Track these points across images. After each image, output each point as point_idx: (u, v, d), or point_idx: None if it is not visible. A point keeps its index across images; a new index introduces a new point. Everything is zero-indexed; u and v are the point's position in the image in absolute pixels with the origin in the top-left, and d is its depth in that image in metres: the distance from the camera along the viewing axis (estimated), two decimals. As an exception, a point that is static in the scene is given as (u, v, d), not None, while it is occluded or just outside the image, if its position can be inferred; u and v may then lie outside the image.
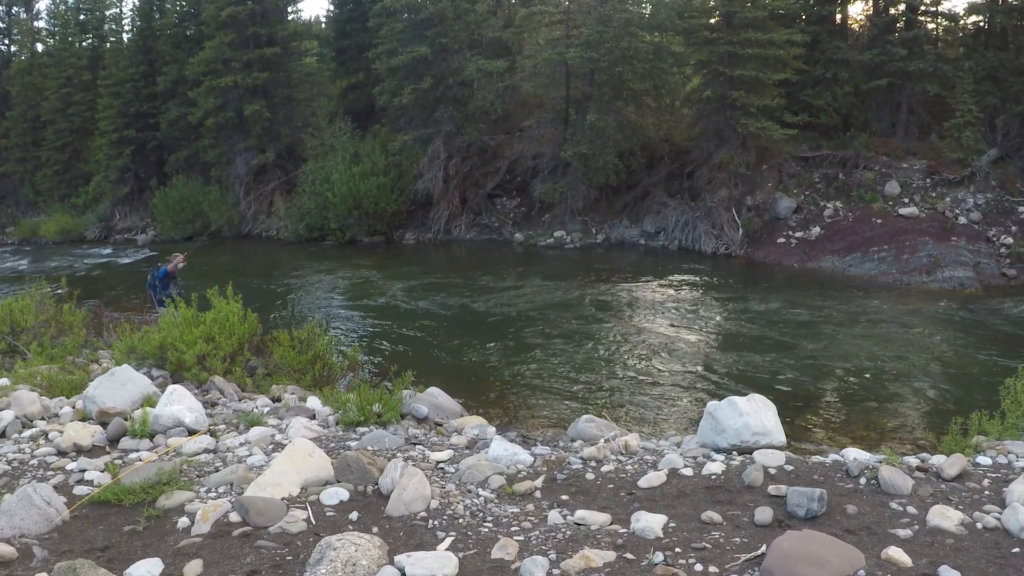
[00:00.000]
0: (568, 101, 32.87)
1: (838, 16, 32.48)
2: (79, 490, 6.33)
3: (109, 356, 11.99)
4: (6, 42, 59.17)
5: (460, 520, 5.64)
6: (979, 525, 5.33)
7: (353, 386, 10.73)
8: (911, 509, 5.55)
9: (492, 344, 16.88)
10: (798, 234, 26.88)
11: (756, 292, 21.72)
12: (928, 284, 22.10)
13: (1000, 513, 5.43)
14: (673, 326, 18.23)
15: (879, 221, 25.74)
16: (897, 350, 15.83)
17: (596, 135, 29.58)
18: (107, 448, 7.42)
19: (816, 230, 26.65)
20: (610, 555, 4.98)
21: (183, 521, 5.67)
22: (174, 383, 9.48)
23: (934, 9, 30.73)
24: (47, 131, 48.95)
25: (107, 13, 52.72)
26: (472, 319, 19.42)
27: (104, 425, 7.77)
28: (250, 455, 7.08)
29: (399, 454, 7.17)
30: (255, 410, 8.86)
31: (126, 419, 7.81)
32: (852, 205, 27.11)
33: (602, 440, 7.44)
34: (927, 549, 5.03)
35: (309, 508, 5.79)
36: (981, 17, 30.74)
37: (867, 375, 14.19)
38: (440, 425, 9.03)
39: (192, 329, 10.73)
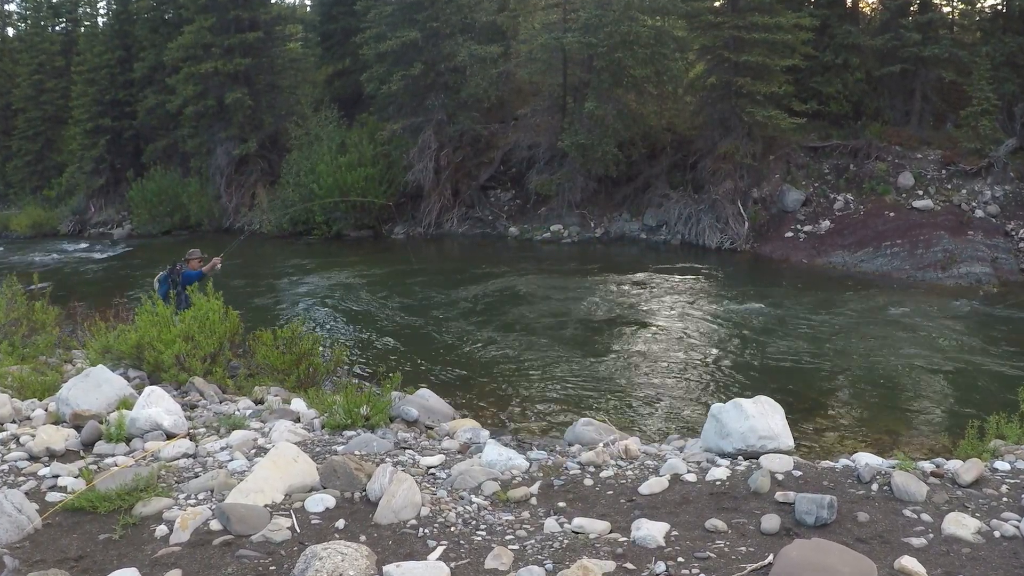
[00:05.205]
0: (565, 88, 32.83)
1: (849, -1, 32.54)
2: (52, 496, 6.32)
3: (83, 356, 11.97)
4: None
5: (452, 528, 5.64)
6: (997, 534, 5.34)
7: (339, 388, 10.73)
8: (925, 517, 5.56)
9: (485, 344, 16.88)
10: (807, 228, 26.90)
11: (762, 289, 21.73)
12: (943, 280, 22.12)
13: (1019, 521, 5.44)
14: (675, 325, 18.25)
15: (892, 214, 25.76)
16: (911, 350, 15.85)
17: (595, 124, 29.54)
18: (81, 452, 7.42)
19: (826, 224, 26.68)
20: (609, 565, 4.98)
21: (161, 529, 5.66)
22: (152, 384, 9.48)
23: (950, -8, 30.81)
24: (18, 120, 48.79)
25: (81, -5, 52.64)
26: (464, 318, 19.41)
27: (78, 428, 7.76)
28: (231, 460, 7.08)
29: (388, 459, 7.17)
30: (237, 413, 8.85)
31: (101, 422, 7.80)
32: (863, 197, 27.13)
33: (601, 444, 7.44)
34: (942, 559, 5.04)
35: (293, 515, 5.78)
36: (999, 0, 30.76)
37: (879, 376, 14.21)
38: (431, 428, 9.03)
39: (170, 328, 10.71)
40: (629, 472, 6.70)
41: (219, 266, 14.22)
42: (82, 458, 7.27)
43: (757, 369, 14.83)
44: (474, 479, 6.51)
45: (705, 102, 30.73)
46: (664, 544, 5.26)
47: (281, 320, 18.03)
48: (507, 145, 34.56)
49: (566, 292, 21.64)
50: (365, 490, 6.17)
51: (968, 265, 22.47)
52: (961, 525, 5.37)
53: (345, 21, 41.61)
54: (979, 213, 25.23)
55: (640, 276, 23.50)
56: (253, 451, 7.38)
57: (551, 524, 5.65)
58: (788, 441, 6.99)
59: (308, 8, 57.07)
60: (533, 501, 6.18)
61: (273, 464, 6.36)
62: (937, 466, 6.49)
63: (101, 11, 52.60)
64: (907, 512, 5.64)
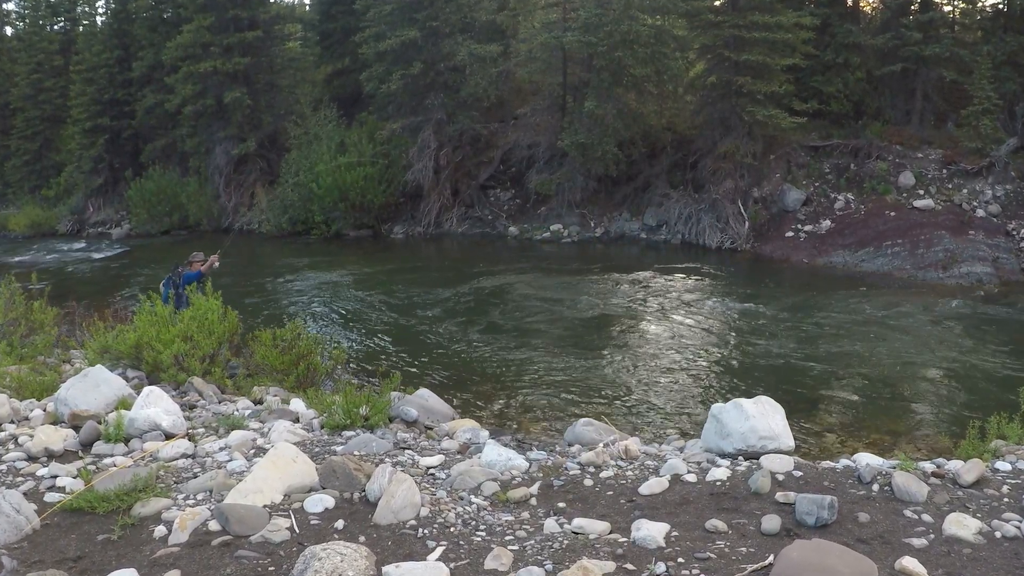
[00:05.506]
0: (565, 88, 32.82)
1: (849, -2, 32.52)
2: (50, 497, 6.32)
3: (82, 356, 11.97)
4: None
5: (451, 529, 5.64)
6: (998, 534, 5.34)
7: (339, 388, 10.74)
8: (926, 517, 5.56)
9: (485, 344, 16.88)
10: (807, 227, 26.90)
11: (763, 289, 21.74)
12: (944, 280, 22.12)
13: (1020, 521, 5.45)
14: (675, 325, 18.25)
15: (892, 214, 25.76)
16: (911, 350, 15.85)
17: (595, 123, 29.53)
18: (80, 453, 7.42)
19: (826, 223, 26.67)
20: (609, 565, 4.98)
21: (160, 530, 5.66)
22: (150, 384, 9.48)
23: (951, -10, 30.78)
24: (16, 119, 48.73)
25: (80, -6, 52.56)
26: (463, 318, 19.42)
27: (77, 429, 7.77)
28: (230, 460, 7.08)
29: (387, 459, 7.17)
30: (236, 413, 8.86)
31: (100, 422, 7.80)
32: (864, 197, 27.13)
33: (601, 444, 7.44)
34: (943, 559, 5.04)
35: (292, 516, 5.78)
36: (1000, -1, 30.81)
37: (880, 376, 14.21)
38: (430, 429, 9.04)
39: (169, 328, 10.71)
40: (629, 472, 6.70)
41: (216, 264, 14.35)
42: (80, 458, 7.27)
43: (757, 369, 14.83)
44: (474, 479, 6.51)
45: (705, 101, 30.70)
46: (664, 545, 5.26)
47: (280, 320, 18.02)
48: (507, 144, 34.54)
49: (566, 292, 21.63)
50: (364, 490, 6.17)
51: (969, 265, 22.47)
52: (962, 526, 5.37)
53: (344, 20, 41.62)
54: (980, 213, 25.23)
55: (640, 276, 23.50)
56: (252, 451, 7.38)
57: (551, 524, 5.65)
58: (789, 441, 6.99)
59: (307, 7, 57.01)
60: (533, 501, 6.18)
61: (272, 464, 6.36)
62: (938, 466, 6.49)
63: (100, 10, 52.56)
64: (908, 512, 5.64)
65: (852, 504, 5.77)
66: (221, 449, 7.43)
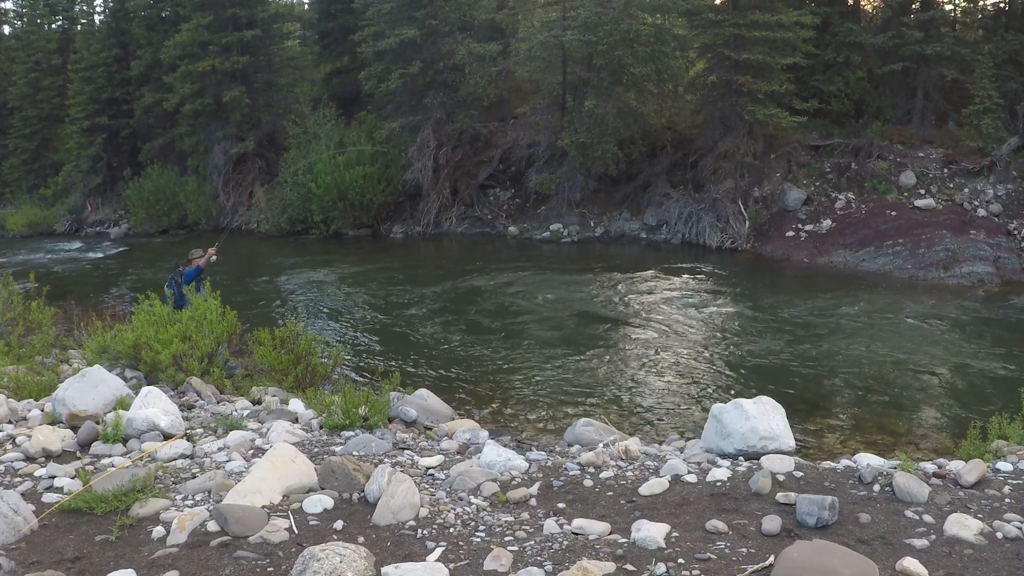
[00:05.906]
0: (565, 87, 32.81)
1: (850, -3, 32.50)
2: (48, 498, 6.32)
3: (80, 356, 11.97)
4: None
5: (451, 529, 5.64)
6: (999, 535, 5.34)
7: (338, 388, 10.73)
8: (927, 518, 5.56)
9: (484, 344, 16.87)
10: (808, 227, 26.89)
11: (763, 289, 21.72)
12: (945, 280, 22.11)
13: (1022, 522, 5.45)
14: (676, 325, 18.24)
15: (893, 213, 25.76)
16: (912, 350, 15.85)
17: (595, 122, 29.51)
18: (78, 453, 7.41)
19: (827, 223, 26.66)
20: (609, 566, 4.98)
21: (158, 530, 5.66)
22: (149, 384, 9.48)
23: (952, -11, 30.80)
24: (14, 118, 48.68)
25: (78, -7, 52.53)
26: (463, 317, 19.41)
27: (75, 429, 7.76)
28: (229, 461, 7.08)
29: (386, 460, 7.18)
30: (234, 413, 8.86)
31: (98, 423, 7.80)
32: (865, 196, 27.12)
33: (601, 445, 7.45)
34: (944, 560, 5.05)
35: (291, 517, 5.78)
36: (1001, -2, 30.83)
37: (881, 376, 14.21)
38: (430, 429, 9.05)
39: (167, 328, 10.71)
40: (629, 473, 6.70)
41: (214, 257, 14.35)
42: (79, 459, 7.27)
43: (758, 369, 14.83)
44: (473, 480, 6.51)
45: (706, 100, 30.67)
46: (664, 545, 5.27)
47: (279, 320, 18.01)
48: (506, 144, 34.52)
49: (566, 292, 21.63)
50: (363, 491, 6.17)
51: (970, 264, 22.46)
52: (963, 526, 5.37)
53: (343, 19, 41.60)
54: (981, 212, 25.22)
55: (640, 276, 23.49)
56: (251, 452, 7.38)
57: (550, 525, 5.65)
58: (789, 442, 7.00)
59: (306, 6, 57.00)
60: (532, 502, 6.18)
61: (271, 465, 6.36)
62: (939, 467, 6.50)
63: (98, 8, 52.58)
64: (909, 513, 5.64)
65: (853, 505, 5.77)
66: (220, 449, 7.43)
